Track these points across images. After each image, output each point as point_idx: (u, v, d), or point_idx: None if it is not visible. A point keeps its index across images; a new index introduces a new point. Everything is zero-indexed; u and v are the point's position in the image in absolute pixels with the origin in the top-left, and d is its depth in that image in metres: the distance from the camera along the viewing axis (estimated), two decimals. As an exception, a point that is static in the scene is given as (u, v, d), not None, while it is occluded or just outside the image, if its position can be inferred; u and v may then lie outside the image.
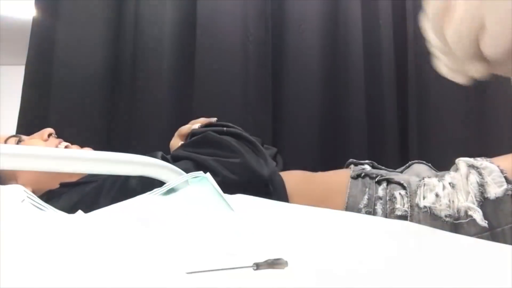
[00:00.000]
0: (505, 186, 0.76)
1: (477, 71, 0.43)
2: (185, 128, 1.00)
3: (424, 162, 0.99)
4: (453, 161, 0.88)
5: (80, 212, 0.52)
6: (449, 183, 0.80)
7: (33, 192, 0.77)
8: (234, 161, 0.80)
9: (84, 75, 1.37)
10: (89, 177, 0.81)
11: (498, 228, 0.73)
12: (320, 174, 0.98)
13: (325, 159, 1.36)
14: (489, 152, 0.94)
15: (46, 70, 1.34)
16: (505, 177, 0.78)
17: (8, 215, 0.46)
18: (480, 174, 0.80)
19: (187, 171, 0.65)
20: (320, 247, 0.44)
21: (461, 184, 0.79)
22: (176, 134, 1.03)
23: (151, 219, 0.49)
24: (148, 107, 1.36)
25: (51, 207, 0.55)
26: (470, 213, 0.75)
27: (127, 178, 0.73)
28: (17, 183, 0.85)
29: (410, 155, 1.40)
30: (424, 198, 0.79)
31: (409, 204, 0.80)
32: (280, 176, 0.88)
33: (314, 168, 1.03)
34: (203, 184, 0.60)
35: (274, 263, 0.37)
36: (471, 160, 0.84)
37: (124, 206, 0.53)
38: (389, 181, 0.86)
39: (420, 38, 1.47)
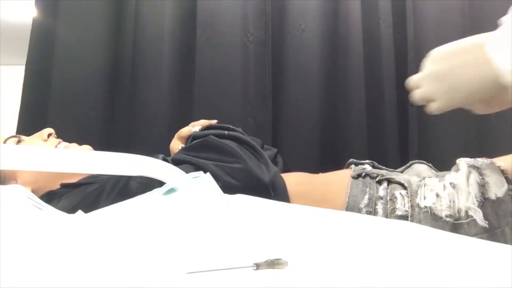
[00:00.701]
0: (505, 186, 0.76)
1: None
2: (185, 130, 1.00)
3: (424, 162, 0.99)
4: (453, 161, 0.88)
5: (80, 212, 0.52)
6: (450, 183, 0.80)
7: (33, 192, 0.77)
8: (235, 166, 0.80)
9: (84, 75, 1.37)
10: (89, 178, 0.81)
11: (498, 229, 0.73)
12: (320, 175, 0.98)
13: (325, 159, 1.36)
14: (489, 152, 0.94)
15: (46, 70, 1.34)
16: (506, 178, 0.78)
17: (8, 215, 0.46)
18: (480, 174, 0.80)
19: (187, 174, 0.65)
20: (320, 247, 0.44)
21: (461, 184, 0.79)
22: (176, 136, 1.03)
23: (151, 219, 0.49)
24: (148, 107, 1.36)
25: (51, 207, 0.55)
26: (470, 213, 0.75)
27: (128, 181, 0.72)
28: (16, 183, 0.85)
29: (410, 155, 1.40)
30: (424, 198, 0.79)
31: (409, 204, 0.80)
32: (281, 178, 0.88)
33: (314, 168, 1.03)
34: (203, 184, 0.60)
35: (274, 263, 0.37)
36: (471, 160, 0.84)
37: (124, 206, 0.53)
38: (389, 181, 0.86)
39: (420, 38, 1.48)
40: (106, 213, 0.51)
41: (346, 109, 1.40)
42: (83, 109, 1.35)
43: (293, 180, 0.90)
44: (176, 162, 0.79)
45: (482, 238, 0.72)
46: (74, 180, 0.83)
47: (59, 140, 0.95)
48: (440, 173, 0.84)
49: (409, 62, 1.44)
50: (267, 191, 0.80)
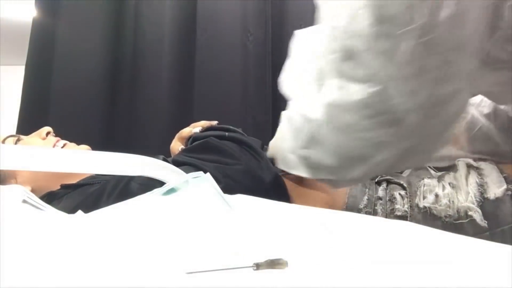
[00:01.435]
0: (504, 186, 0.76)
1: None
2: (186, 131, 1.00)
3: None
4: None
5: (80, 212, 0.52)
6: (449, 184, 0.80)
7: (33, 191, 0.77)
8: (236, 168, 0.80)
9: (84, 75, 1.37)
10: (90, 179, 0.81)
11: (498, 228, 0.73)
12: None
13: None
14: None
15: (46, 70, 1.34)
16: (505, 177, 0.78)
17: (8, 215, 0.46)
18: (479, 174, 0.80)
19: (188, 177, 0.65)
20: (320, 247, 0.44)
21: (460, 184, 0.80)
22: (176, 136, 1.03)
23: (151, 219, 0.49)
24: (148, 107, 1.36)
25: (51, 207, 0.55)
26: (470, 213, 0.75)
27: (128, 182, 0.72)
28: (16, 182, 0.85)
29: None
30: (424, 198, 0.79)
31: (409, 204, 0.80)
32: (281, 178, 0.88)
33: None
34: (203, 184, 0.60)
35: (274, 263, 0.37)
36: (470, 161, 0.84)
37: (124, 206, 0.53)
38: (389, 182, 0.86)
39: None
40: (106, 213, 0.51)
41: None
42: (83, 109, 1.35)
43: (293, 180, 0.90)
44: (177, 163, 0.79)
45: (481, 238, 0.72)
46: (74, 180, 0.83)
47: (57, 138, 0.95)
48: (439, 174, 0.84)
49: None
50: (268, 192, 0.80)
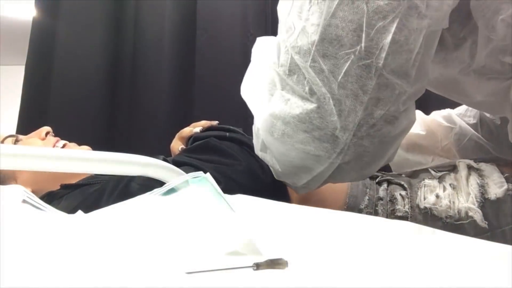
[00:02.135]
0: (505, 186, 0.76)
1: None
2: (186, 131, 1.00)
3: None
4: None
5: (80, 212, 0.52)
6: (450, 185, 0.80)
7: (33, 192, 0.77)
8: (236, 168, 0.80)
9: (84, 75, 1.36)
10: (90, 179, 0.80)
11: (499, 229, 0.73)
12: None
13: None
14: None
15: (46, 70, 1.34)
16: (506, 178, 0.78)
17: (8, 215, 0.46)
18: (480, 175, 0.80)
19: (188, 178, 0.65)
20: (320, 247, 0.44)
21: (461, 185, 0.80)
22: (177, 136, 1.03)
23: (151, 219, 0.49)
24: (148, 107, 1.36)
25: (51, 207, 0.55)
26: (470, 214, 0.75)
27: (128, 182, 0.72)
28: (16, 183, 0.84)
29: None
30: (424, 199, 0.79)
31: (409, 205, 0.80)
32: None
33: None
34: (203, 184, 0.60)
35: (274, 263, 0.37)
36: (471, 162, 0.84)
37: (124, 206, 0.53)
38: (389, 182, 0.86)
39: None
40: (106, 213, 0.51)
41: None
42: (83, 109, 1.35)
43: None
44: (177, 163, 0.79)
45: (482, 238, 0.72)
46: (74, 180, 0.82)
47: (57, 138, 0.94)
48: (439, 174, 0.84)
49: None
50: (268, 192, 0.80)
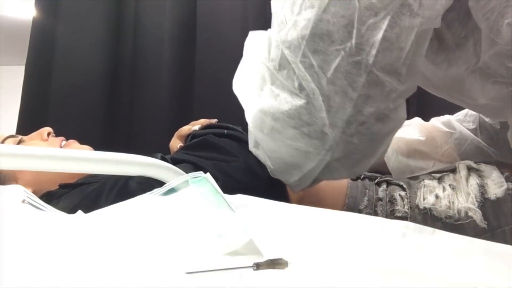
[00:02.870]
0: (505, 186, 0.76)
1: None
2: (185, 129, 1.00)
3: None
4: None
5: (80, 212, 0.52)
6: (449, 185, 0.80)
7: (34, 193, 0.77)
8: (234, 165, 0.80)
9: (84, 75, 1.37)
10: (88, 178, 0.80)
11: (499, 229, 0.73)
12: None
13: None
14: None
15: (46, 70, 1.34)
16: (506, 177, 0.78)
17: (8, 215, 0.46)
18: (480, 176, 0.80)
19: (187, 174, 0.65)
20: (320, 247, 0.44)
21: (461, 185, 0.79)
22: (176, 134, 1.03)
23: (151, 219, 0.49)
24: (148, 107, 1.36)
25: (51, 207, 0.55)
26: (470, 214, 0.75)
27: (127, 181, 0.72)
28: (17, 184, 0.84)
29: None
30: (424, 199, 0.79)
31: (409, 205, 0.80)
32: None
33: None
34: (203, 184, 0.60)
35: (274, 263, 0.37)
36: (471, 163, 0.84)
37: (124, 206, 0.53)
38: (389, 182, 0.86)
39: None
40: (106, 213, 0.51)
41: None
42: (83, 109, 1.35)
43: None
44: (175, 161, 0.79)
45: (482, 238, 0.72)
46: (73, 180, 0.82)
47: (60, 138, 0.94)
48: (439, 175, 0.84)
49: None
50: (266, 189, 0.80)
